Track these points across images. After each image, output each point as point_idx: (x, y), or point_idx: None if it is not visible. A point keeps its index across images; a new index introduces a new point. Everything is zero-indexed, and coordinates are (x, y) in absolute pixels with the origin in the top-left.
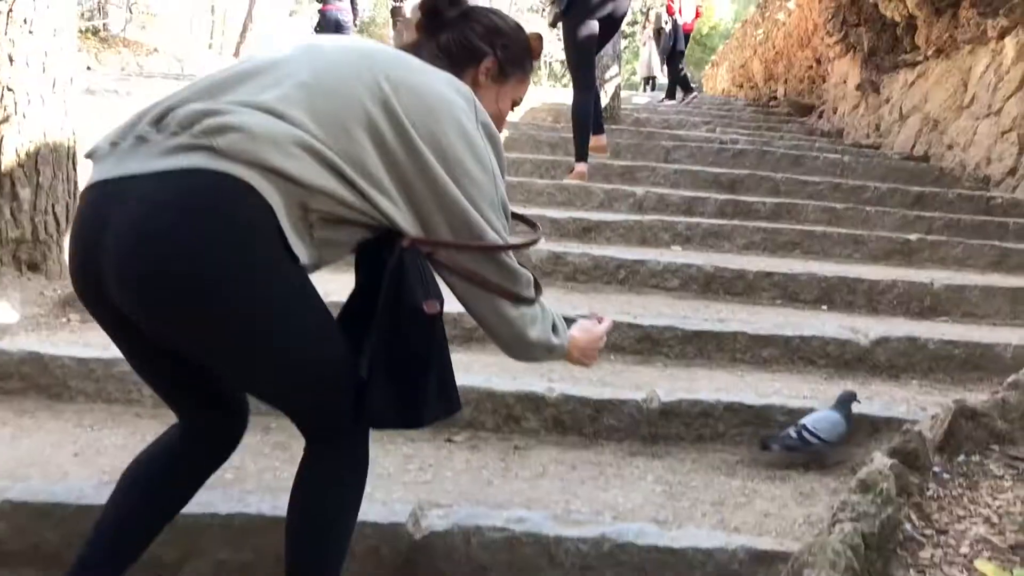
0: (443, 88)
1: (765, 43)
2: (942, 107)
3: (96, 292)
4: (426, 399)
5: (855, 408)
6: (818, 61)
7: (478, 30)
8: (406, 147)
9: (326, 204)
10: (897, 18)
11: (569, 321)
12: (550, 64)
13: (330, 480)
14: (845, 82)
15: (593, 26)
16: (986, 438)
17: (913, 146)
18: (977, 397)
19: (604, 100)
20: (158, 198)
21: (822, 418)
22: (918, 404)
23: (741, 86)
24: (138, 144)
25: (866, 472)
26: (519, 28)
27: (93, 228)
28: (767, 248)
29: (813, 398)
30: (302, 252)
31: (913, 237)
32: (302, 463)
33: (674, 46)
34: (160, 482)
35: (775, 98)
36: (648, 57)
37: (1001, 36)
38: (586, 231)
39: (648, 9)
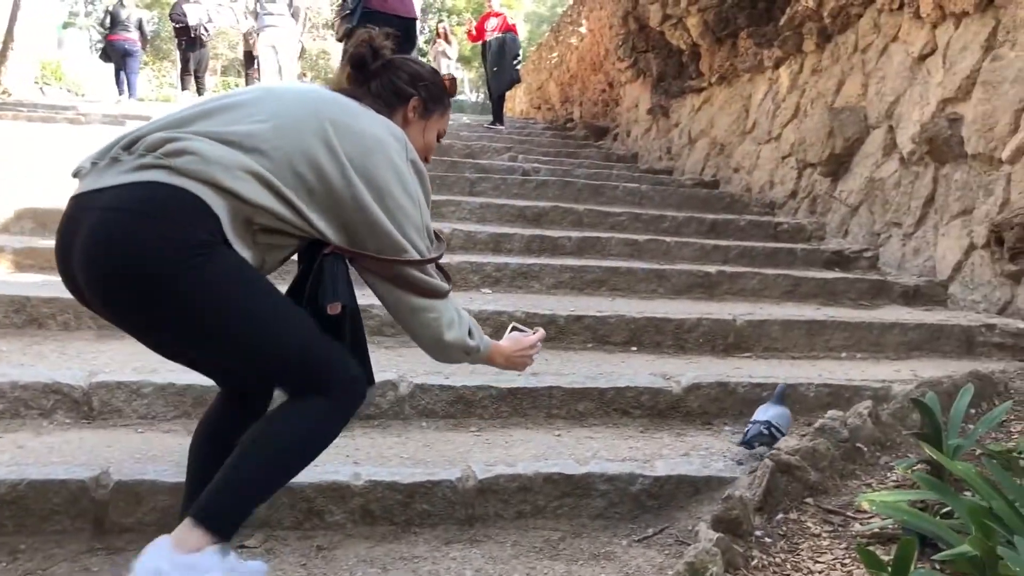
0: (379, 131)
1: (560, 66)
2: (727, 132)
3: (77, 292)
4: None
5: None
6: (611, 85)
7: (403, 76)
8: (343, 180)
9: (267, 219)
10: (682, 46)
11: None
12: None
13: (300, 416)
14: (637, 106)
15: None
16: (801, 491)
17: (703, 169)
18: (787, 443)
19: None
20: (118, 204)
21: (780, 415)
22: (734, 457)
23: (539, 108)
24: (111, 163)
25: (693, 554)
26: (435, 72)
27: (68, 235)
28: (575, 287)
29: (631, 459)
30: (246, 255)
31: (712, 270)
32: (282, 405)
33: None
34: (207, 437)
35: (572, 120)
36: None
37: (776, 66)
38: None
39: (439, 25)
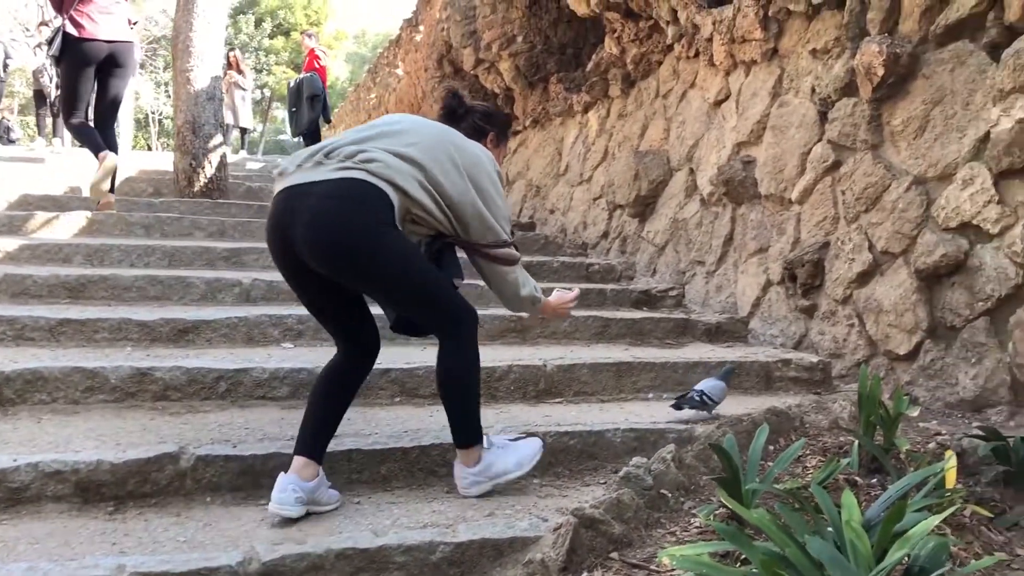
0: (479, 152)
1: (379, 108)
2: (542, 174)
3: (285, 256)
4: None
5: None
6: None
7: (481, 118)
8: (464, 185)
9: (420, 211)
10: (497, 90)
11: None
12: (160, 121)
13: (454, 358)
14: None
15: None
16: (606, 546)
17: (520, 210)
18: (594, 493)
19: (209, 171)
20: (335, 192)
21: (714, 386)
22: (539, 512)
23: None
24: (316, 165)
25: None
26: (500, 112)
27: (285, 214)
28: (384, 336)
29: (433, 524)
30: None
31: (525, 315)
32: (439, 354)
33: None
34: (325, 391)
35: None
36: (234, 104)
37: (586, 110)
38: (182, 334)
39: (231, 53)
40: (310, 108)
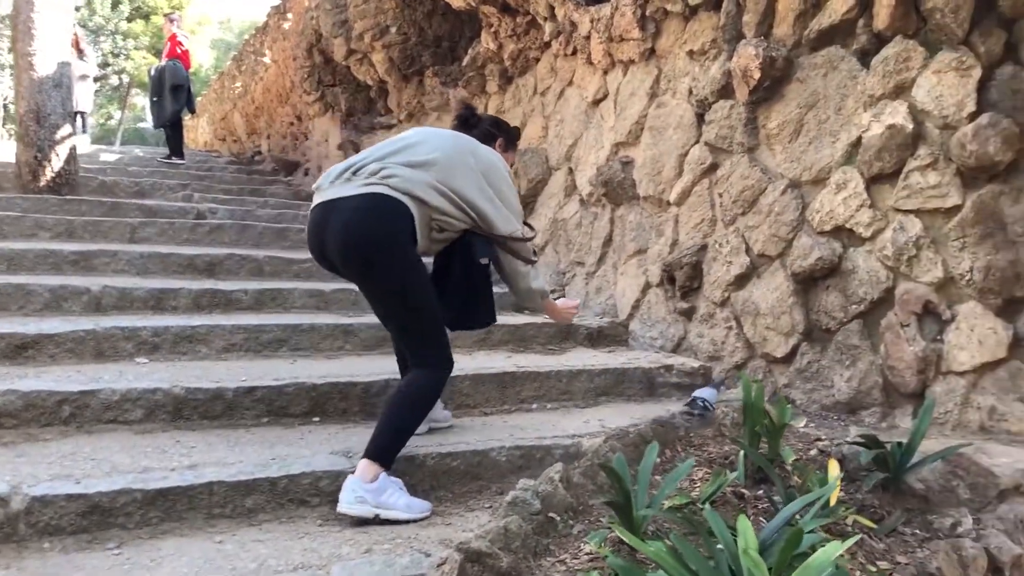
0: (493, 156)
1: (245, 97)
2: None
3: (323, 261)
4: (478, 313)
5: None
6: (299, 118)
7: (490, 124)
8: (481, 182)
9: (440, 216)
10: (370, 81)
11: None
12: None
13: (416, 384)
14: (327, 140)
15: None
16: None
17: None
18: (479, 520)
19: (57, 164)
20: (359, 205)
21: (712, 394)
22: (421, 546)
23: (224, 140)
24: (345, 182)
25: None
26: (508, 124)
27: (321, 224)
28: (251, 349)
29: (304, 566)
30: (422, 244)
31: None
32: (410, 373)
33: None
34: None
35: (260, 153)
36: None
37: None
38: (21, 350)
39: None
40: (173, 99)
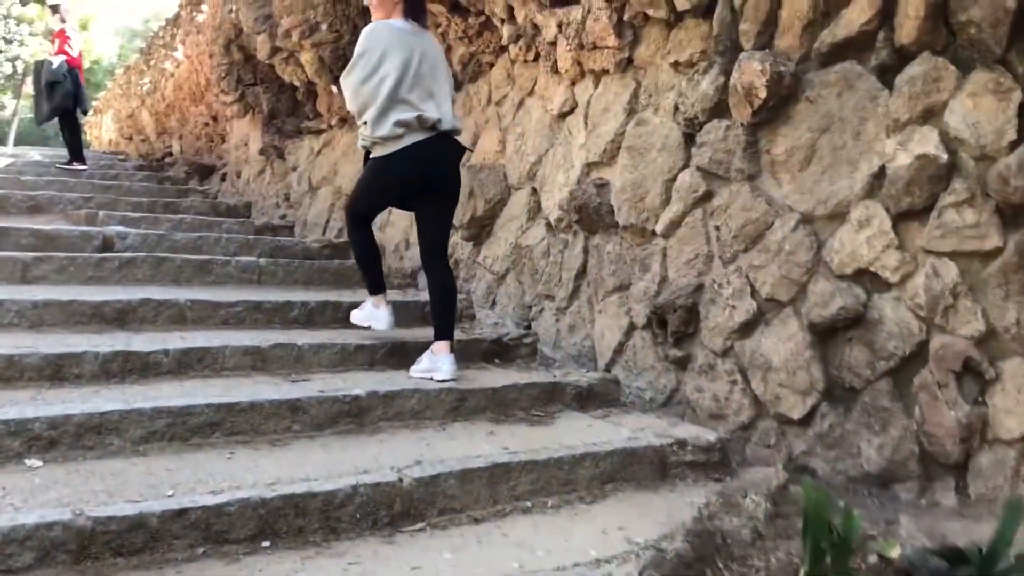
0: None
1: (154, 94)
2: (353, 181)
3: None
4: None
5: None
6: (215, 119)
7: None
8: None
9: None
10: (296, 83)
11: None
12: None
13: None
14: (247, 144)
15: None
16: None
17: (328, 221)
18: None
19: None
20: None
21: None
22: None
23: (131, 139)
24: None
25: None
26: None
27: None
28: (176, 437)
29: None
30: None
31: (362, 392)
32: (445, 276)
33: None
34: None
35: (171, 155)
36: None
37: None
38: None
39: None
40: (47, 97)
